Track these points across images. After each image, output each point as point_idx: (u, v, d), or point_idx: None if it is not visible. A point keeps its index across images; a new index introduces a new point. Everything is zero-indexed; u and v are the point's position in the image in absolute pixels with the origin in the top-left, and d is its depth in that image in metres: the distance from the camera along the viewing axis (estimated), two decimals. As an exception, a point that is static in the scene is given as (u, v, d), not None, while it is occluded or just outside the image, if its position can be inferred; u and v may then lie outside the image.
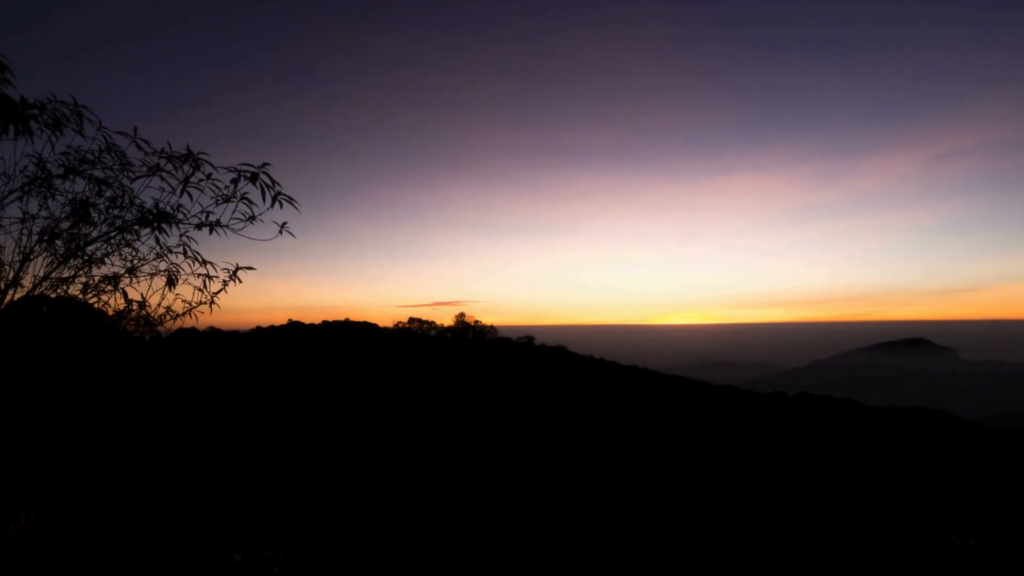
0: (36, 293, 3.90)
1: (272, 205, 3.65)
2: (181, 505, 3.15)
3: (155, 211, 3.83)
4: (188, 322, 4.15)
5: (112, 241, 3.98)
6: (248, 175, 3.59)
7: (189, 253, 3.92)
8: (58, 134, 3.63)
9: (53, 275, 3.94)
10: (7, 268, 3.84)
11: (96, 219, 3.95)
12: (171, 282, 3.96)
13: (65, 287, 3.98)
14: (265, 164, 3.59)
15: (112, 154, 3.77)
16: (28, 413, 2.92)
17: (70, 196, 3.91)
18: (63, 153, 3.77)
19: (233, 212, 3.73)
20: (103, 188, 3.87)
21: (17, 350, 3.41)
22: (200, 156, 3.59)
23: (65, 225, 3.95)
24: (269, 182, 3.58)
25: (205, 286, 3.99)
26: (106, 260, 4.03)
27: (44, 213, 3.94)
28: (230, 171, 3.62)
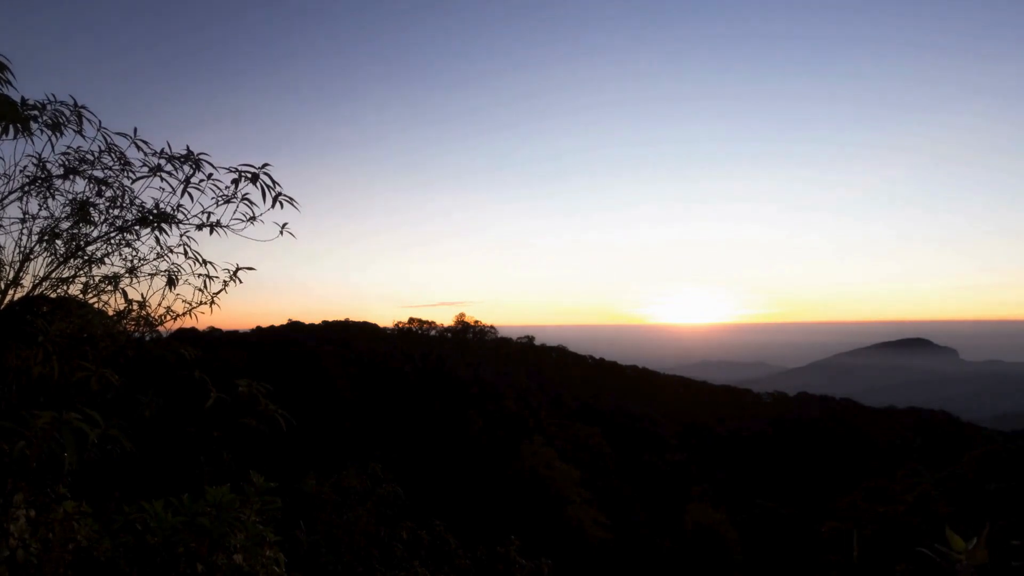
0: (36, 293, 3.90)
1: (273, 206, 3.65)
2: (180, 506, 3.15)
3: (155, 211, 3.82)
4: (188, 322, 4.15)
5: (112, 241, 3.98)
6: (249, 176, 3.58)
7: (189, 253, 3.91)
8: (58, 135, 3.62)
9: (53, 275, 3.94)
10: (7, 268, 3.84)
11: (96, 219, 3.95)
12: (171, 282, 3.96)
13: (65, 287, 3.98)
14: (266, 165, 3.59)
15: (112, 154, 3.76)
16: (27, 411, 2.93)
17: (70, 196, 3.90)
18: (63, 153, 3.77)
19: (234, 213, 3.73)
20: (103, 188, 3.86)
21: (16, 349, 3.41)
22: (201, 156, 3.58)
23: (65, 225, 3.95)
24: (270, 183, 3.58)
25: (206, 286, 3.99)
26: (106, 260, 4.03)
27: (44, 213, 3.94)
28: (231, 172, 3.61)
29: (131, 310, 4.01)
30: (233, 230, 3.79)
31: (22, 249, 3.87)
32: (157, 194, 3.82)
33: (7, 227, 3.86)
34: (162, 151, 3.61)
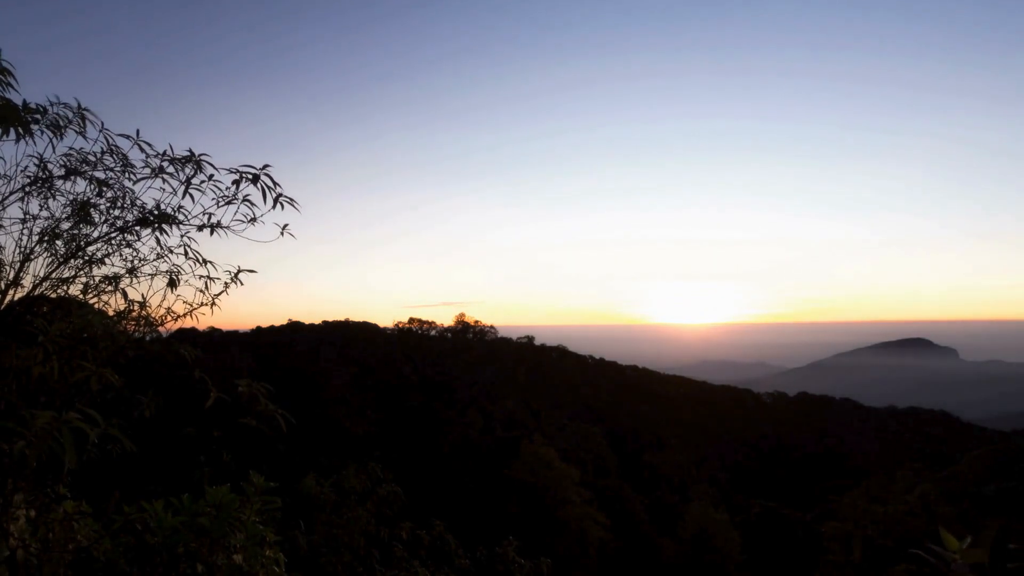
0: (36, 293, 3.90)
1: (273, 207, 3.65)
2: (180, 506, 3.15)
3: (156, 212, 3.82)
4: (188, 322, 4.15)
5: (113, 242, 3.98)
6: (250, 177, 3.58)
7: (190, 254, 3.91)
8: (60, 137, 3.62)
9: (54, 275, 3.94)
10: (7, 268, 3.84)
11: (97, 220, 3.95)
12: (172, 283, 3.96)
13: (65, 287, 3.98)
14: (266, 166, 3.59)
15: (114, 155, 3.76)
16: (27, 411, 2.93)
17: (71, 197, 3.91)
18: (64, 154, 3.77)
19: (235, 214, 3.73)
20: (104, 189, 3.86)
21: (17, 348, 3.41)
22: (202, 158, 3.59)
23: (66, 225, 3.96)
24: (270, 184, 3.58)
25: (206, 287, 3.99)
26: (107, 260, 4.03)
27: (45, 214, 3.95)
28: (231, 172, 3.61)
29: (131, 310, 4.01)
30: (234, 231, 3.79)
31: (22, 249, 3.87)
32: (158, 195, 3.82)
33: (8, 227, 3.87)
34: (164, 153, 3.61)
